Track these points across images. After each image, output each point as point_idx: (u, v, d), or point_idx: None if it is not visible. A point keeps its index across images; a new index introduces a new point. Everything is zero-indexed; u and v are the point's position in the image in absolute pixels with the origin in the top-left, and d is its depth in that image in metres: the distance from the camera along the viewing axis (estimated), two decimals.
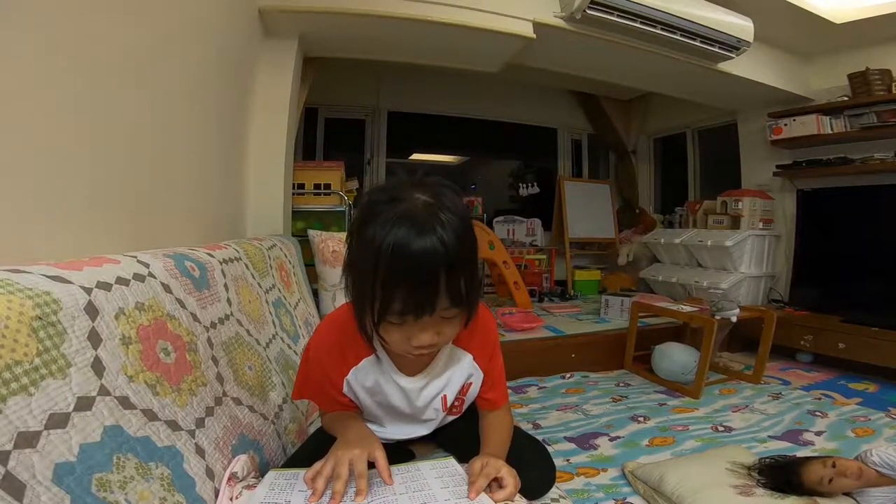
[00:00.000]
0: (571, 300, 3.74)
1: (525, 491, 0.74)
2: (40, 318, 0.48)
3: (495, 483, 0.70)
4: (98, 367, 0.53)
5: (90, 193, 0.91)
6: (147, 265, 0.71)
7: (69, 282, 0.54)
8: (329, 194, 2.50)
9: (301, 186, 2.47)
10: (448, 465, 0.75)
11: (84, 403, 0.50)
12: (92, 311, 0.55)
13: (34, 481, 0.42)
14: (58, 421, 0.47)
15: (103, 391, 0.53)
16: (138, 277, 0.66)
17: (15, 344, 0.45)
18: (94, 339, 0.54)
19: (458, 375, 0.86)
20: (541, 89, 4.26)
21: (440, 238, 0.61)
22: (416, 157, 4.33)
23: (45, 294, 0.50)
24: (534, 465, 0.86)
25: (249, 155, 2.06)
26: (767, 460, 1.43)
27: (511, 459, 0.79)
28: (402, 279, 0.61)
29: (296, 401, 1.07)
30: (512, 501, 0.68)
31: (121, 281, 0.62)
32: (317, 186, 2.49)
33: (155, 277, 0.71)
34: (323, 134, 3.78)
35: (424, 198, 0.64)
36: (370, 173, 3.90)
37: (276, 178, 2.15)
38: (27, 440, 0.43)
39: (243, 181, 2.01)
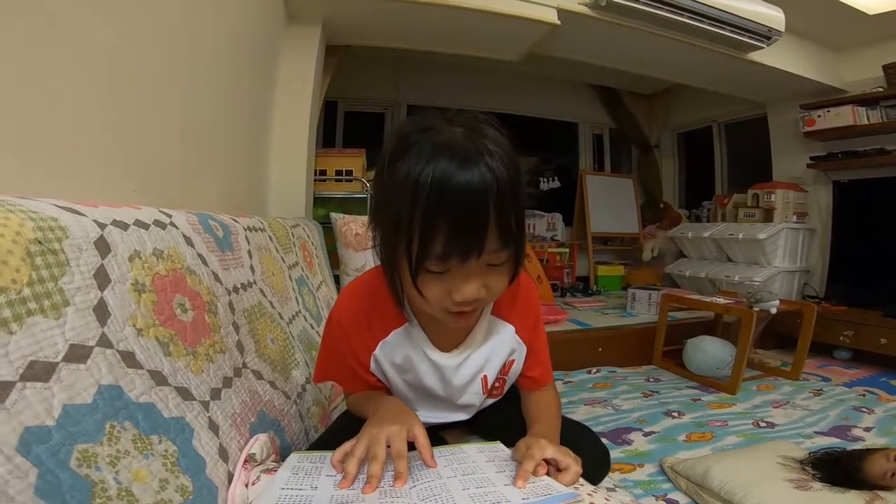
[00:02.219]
0: (594, 295, 3.64)
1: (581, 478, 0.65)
2: (40, 242, 0.40)
3: (551, 466, 0.59)
4: (102, 311, 0.44)
5: (113, 157, 0.87)
6: (169, 215, 0.64)
7: (82, 214, 0.46)
8: (351, 181, 2.45)
9: (323, 173, 2.43)
10: (497, 449, 0.65)
11: (78, 353, 0.40)
12: (103, 246, 0.47)
13: None
14: (39, 372, 0.37)
15: (104, 342, 0.44)
16: (159, 224, 0.59)
17: (2, 266, 0.36)
18: (102, 278, 0.46)
19: (499, 351, 0.76)
20: (561, 83, 4.19)
21: (488, 166, 0.52)
22: None
23: (50, 220, 0.42)
24: (586, 451, 0.76)
25: (272, 140, 2.04)
26: (819, 454, 1.34)
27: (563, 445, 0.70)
28: (446, 215, 0.52)
29: (318, 384, 0.99)
30: (581, 485, 0.59)
31: (140, 224, 0.55)
32: (338, 173, 2.44)
33: (177, 228, 0.63)
34: (342, 127, 3.74)
35: (462, 130, 0.56)
36: None
37: (298, 164, 2.12)
38: None
39: (266, 165, 1.98)
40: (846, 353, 2.70)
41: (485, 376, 0.77)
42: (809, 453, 1.36)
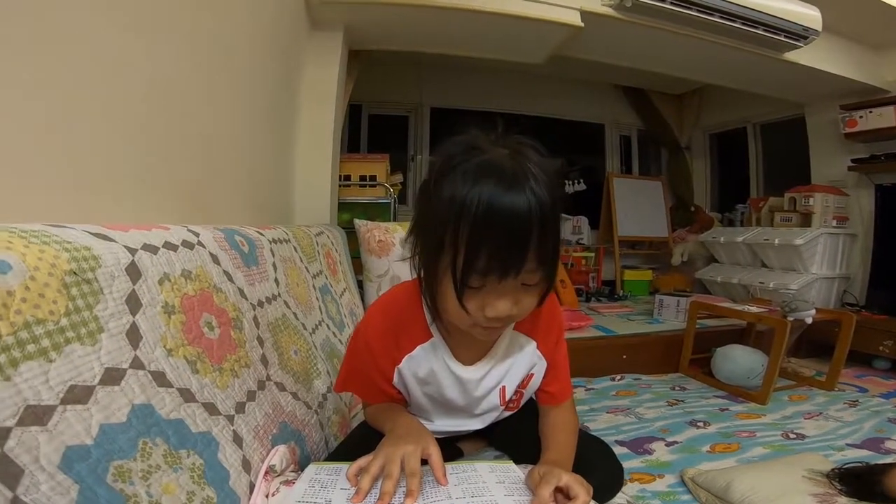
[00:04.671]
0: (620, 300, 3.59)
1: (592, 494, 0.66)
2: (75, 272, 0.42)
3: (561, 494, 0.60)
4: (134, 335, 0.47)
5: (145, 172, 0.90)
6: (197, 234, 0.67)
7: (112, 240, 0.49)
8: (374, 186, 2.48)
9: (347, 178, 2.47)
10: (509, 471, 0.66)
11: (112, 376, 0.43)
12: (134, 272, 0.50)
13: (35, 466, 0.35)
14: (79, 395, 0.39)
15: (137, 364, 0.47)
16: (187, 245, 0.62)
17: (40, 299, 0.38)
18: (134, 303, 0.48)
19: (519, 365, 0.78)
20: (586, 84, 4.14)
21: (532, 190, 0.55)
22: None
23: (84, 249, 0.45)
24: (600, 467, 0.77)
25: (298, 146, 2.08)
26: (844, 467, 1.30)
27: (575, 462, 0.70)
28: (491, 234, 0.55)
29: (338, 393, 1.02)
30: None
31: (168, 246, 0.58)
32: (362, 178, 2.48)
33: (204, 247, 0.66)
34: (367, 130, 3.79)
35: (507, 151, 0.58)
36: (414, 169, 3.89)
37: (323, 169, 2.16)
38: (37, 416, 0.36)
39: (291, 172, 2.02)
40: (885, 363, 2.60)
41: (503, 387, 0.79)
42: (834, 468, 1.32)
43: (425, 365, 0.75)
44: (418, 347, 0.74)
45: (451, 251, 0.57)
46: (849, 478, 1.24)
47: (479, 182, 0.55)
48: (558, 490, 0.59)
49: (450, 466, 0.63)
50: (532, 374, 0.80)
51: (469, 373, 0.75)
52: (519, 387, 0.80)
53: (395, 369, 0.75)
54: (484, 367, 0.75)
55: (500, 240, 0.55)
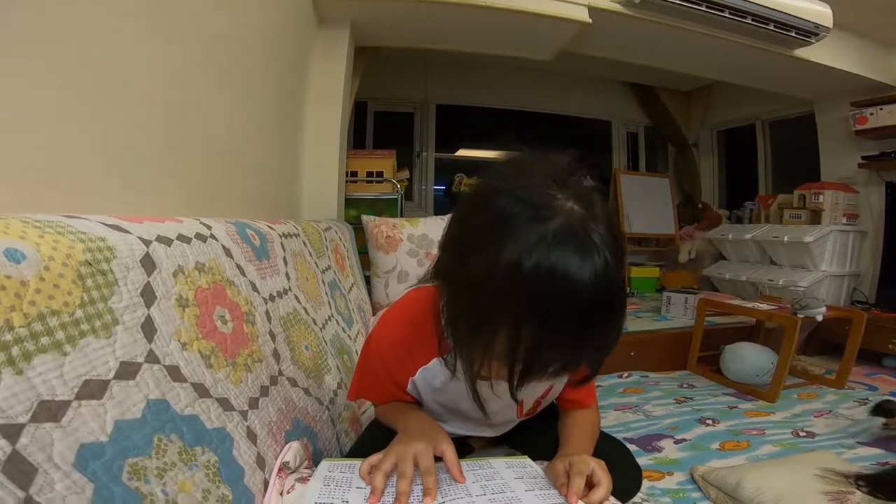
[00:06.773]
0: (627, 297, 3.56)
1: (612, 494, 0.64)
2: (90, 263, 0.41)
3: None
4: (149, 328, 0.46)
5: (157, 167, 0.90)
6: (209, 227, 0.66)
7: (127, 231, 0.48)
8: (381, 182, 2.48)
9: (354, 174, 2.46)
10: (525, 465, 0.65)
11: (127, 371, 0.42)
12: (149, 264, 0.49)
13: (49, 464, 0.33)
14: (93, 390, 0.38)
15: (151, 358, 0.45)
16: (200, 237, 0.61)
17: (54, 290, 0.37)
18: (148, 295, 0.47)
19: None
20: (594, 81, 4.11)
21: (612, 285, 0.47)
22: (462, 153, 4.26)
23: (98, 240, 0.44)
24: (618, 467, 0.75)
25: (305, 142, 2.07)
26: (869, 474, 1.28)
27: None
28: (558, 344, 0.48)
29: (352, 401, 1.00)
30: (608, 501, 0.58)
31: (182, 238, 0.57)
32: (369, 174, 2.48)
33: (217, 240, 0.65)
34: (372, 127, 3.77)
35: (578, 209, 0.49)
36: (419, 166, 3.87)
37: (330, 166, 2.15)
38: (50, 412, 0.34)
39: (299, 167, 2.02)
40: (895, 362, 2.58)
41: (521, 401, 0.76)
42: (860, 473, 1.28)
43: (440, 377, 0.72)
44: (434, 360, 0.71)
45: (505, 348, 0.50)
46: (876, 482, 1.22)
47: (550, 277, 0.45)
48: None
49: (465, 463, 0.62)
50: (552, 386, 0.77)
51: (486, 388, 0.72)
52: (538, 398, 0.78)
53: (410, 380, 0.73)
54: (502, 383, 0.73)
55: (564, 350, 0.50)
